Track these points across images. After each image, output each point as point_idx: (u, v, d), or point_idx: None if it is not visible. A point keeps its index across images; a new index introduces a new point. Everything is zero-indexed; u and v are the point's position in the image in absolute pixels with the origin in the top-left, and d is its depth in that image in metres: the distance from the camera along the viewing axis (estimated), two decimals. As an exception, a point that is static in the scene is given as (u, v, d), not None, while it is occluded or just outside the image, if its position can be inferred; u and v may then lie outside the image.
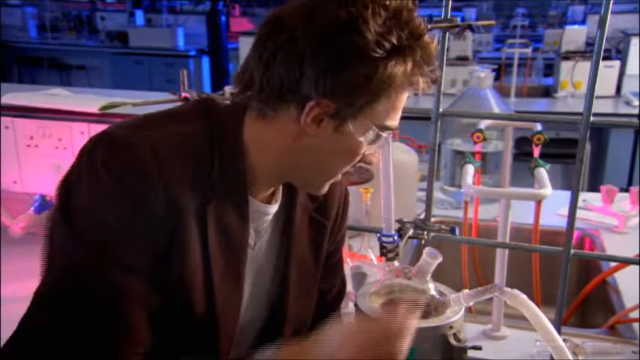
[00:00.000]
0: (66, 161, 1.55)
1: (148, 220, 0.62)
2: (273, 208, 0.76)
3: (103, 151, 0.63)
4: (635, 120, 1.14)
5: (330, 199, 0.83)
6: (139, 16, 5.78)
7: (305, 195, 0.80)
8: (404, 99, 0.68)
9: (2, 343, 0.71)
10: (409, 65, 0.64)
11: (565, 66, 3.16)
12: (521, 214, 1.32)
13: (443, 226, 1.04)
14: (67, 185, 0.65)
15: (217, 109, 0.71)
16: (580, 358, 1.07)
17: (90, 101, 1.45)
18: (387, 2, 0.62)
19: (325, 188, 0.75)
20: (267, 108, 0.66)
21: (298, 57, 0.62)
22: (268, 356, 0.68)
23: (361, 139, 0.67)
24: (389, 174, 0.96)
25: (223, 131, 0.68)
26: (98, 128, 1.43)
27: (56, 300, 0.63)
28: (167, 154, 0.63)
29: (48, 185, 1.51)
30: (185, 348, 0.70)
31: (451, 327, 0.77)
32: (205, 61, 5.38)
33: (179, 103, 1.09)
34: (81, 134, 1.43)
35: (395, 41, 0.62)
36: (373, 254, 1.30)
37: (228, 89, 1.39)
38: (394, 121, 0.69)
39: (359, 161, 0.71)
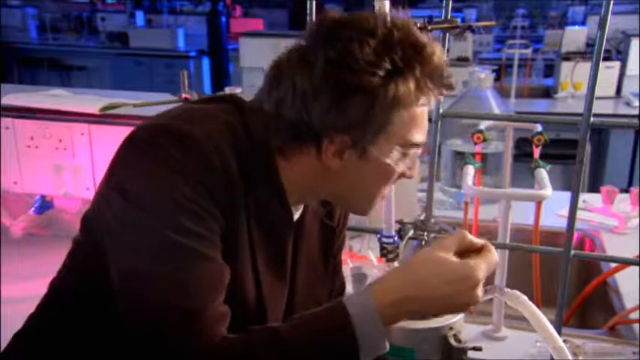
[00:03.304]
0: (66, 162, 1.56)
1: (212, 203, 0.62)
2: (296, 215, 0.76)
3: (165, 141, 0.62)
4: (635, 121, 1.14)
5: None
6: (140, 17, 5.78)
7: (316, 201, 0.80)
8: (422, 113, 0.69)
9: (2, 343, 0.72)
10: (411, 83, 0.64)
11: (565, 67, 3.16)
12: (522, 214, 1.32)
13: (443, 227, 1.04)
14: (119, 179, 0.63)
15: (244, 107, 0.71)
16: (580, 358, 1.07)
17: (90, 102, 1.45)
18: (375, 29, 0.63)
19: (371, 208, 0.76)
20: (286, 148, 0.69)
21: (302, 101, 0.65)
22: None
23: (388, 160, 0.69)
24: (389, 175, 0.95)
25: (253, 128, 0.68)
26: (98, 129, 1.44)
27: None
28: (222, 144, 0.64)
29: (48, 186, 1.51)
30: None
31: (451, 328, 0.77)
32: (206, 62, 5.38)
33: (180, 104, 1.09)
34: (81, 135, 1.44)
35: (389, 65, 0.63)
36: (373, 255, 1.30)
37: (228, 90, 1.40)
38: (420, 135, 0.69)
39: (399, 177, 0.73)
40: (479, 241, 0.68)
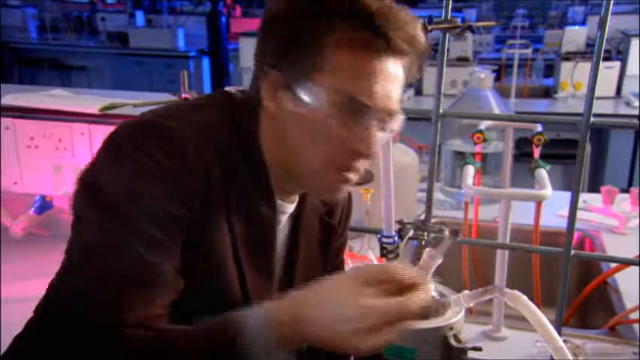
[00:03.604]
0: (66, 162, 1.56)
1: (184, 193, 0.62)
2: (289, 207, 0.76)
3: (137, 135, 0.63)
4: (635, 121, 1.14)
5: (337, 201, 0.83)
6: (140, 17, 5.78)
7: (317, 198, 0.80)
8: (370, 65, 0.63)
9: (2, 344, 0.71)
10: (339, 23, 0.63)
11: (565, 67, 3.16)
12: (522, 214, 1.32)
13: (443, 227, 1.04)
14: (94, 170, 0.64)
15: (234, 99, 0.72)
16: (580, 359, 1.07)
17: (90, 102, 1.45)
18: None
19: (323, 185, 0.71)
20: (252, 92, 0.70)
21: (258, 41, 0.68)
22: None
23: (325, 112, 0.64)
24: (389, 175, 0.96)
25: (240, 122, 0.70)
26: (98, 129, 1.44)
27: (91, 263, 0.60)
28: (198, 138, 0.64)
29: (48, 186, 1.51)
30: None
31: (451, 328, 0.77)
32: (206, 62, 5.38)
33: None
34: (81, 135, 1.43)
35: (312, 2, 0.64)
36: (373, 255, 1.30)
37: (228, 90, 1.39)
38: (368, 92, 0.63)
39: (354, 156, 0.67)
40: (411, 278, 0.57)
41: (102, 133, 1.43)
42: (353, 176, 0.70)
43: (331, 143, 0.66)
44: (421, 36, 0.66)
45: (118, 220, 0.60)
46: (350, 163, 0.68)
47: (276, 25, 0.66)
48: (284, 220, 0.77)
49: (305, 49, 0.64)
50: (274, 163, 0.71)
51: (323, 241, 0.83)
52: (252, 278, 0.71)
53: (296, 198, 0.77)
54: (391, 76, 0.65)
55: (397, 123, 0.70)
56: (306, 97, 0.64)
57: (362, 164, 0.69)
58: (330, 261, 0.86)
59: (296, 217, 0.78)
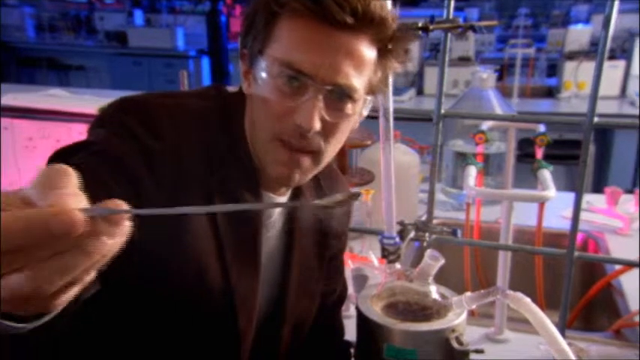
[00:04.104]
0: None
1: (150, 170, 0.62)
2: (278, 199, 0.75)
3: (119, 109, 0.65)
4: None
5: None
6: (138, 16, 5.77)
7: (312, 194, 0.79)
8: (303, 34, 0.62)
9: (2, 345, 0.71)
10: None
11: (569, 66, 3.14)
12: (524, 216, 1.31)
13: (445, 228, 1.03)
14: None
15: (226, 92, 0.74)
16: (584, 362, 1.06)
17: (89, 102, 1.45)
18: None
19: (270, 161, 0.68)
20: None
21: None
22: None
23: (269, 81, 0.64)
24: (390, 175, 0.95)
25: (230, 113, 0.70)
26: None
27: None
28: (182, 120, 0.66)
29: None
30: (203, 331, 0.69)
31: (453, 330, 0.76)
32: (205, 62, 5.37)
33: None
34: (80, 135, 1.43)
35: None
36: (374, 256, 1.29)
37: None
38: (304, 62, 0.62)
39: (296, 131, 0.64)
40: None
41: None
42: (302, 156, 0.67)
43: (277, 117, 0.65)
44: (377, 12, 0.62)
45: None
46: (293, 138, 0.65)
47: (246, 6, 0.68)
48: (274, 213, 0.76)
49: (260, 25, 0.65)
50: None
51: (319, 240, 0.81)
52: (236, 271, 0.69)
53: (286, 191, 0.76)
54: (337, 49, 0.62)
55: (359, 104, 0.67)
56: (258, 72, 0.65)
57: (315, 143, 0.66)
58: (327, 262, 0.85)
59: (292, 216, 0.77)
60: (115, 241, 0.35)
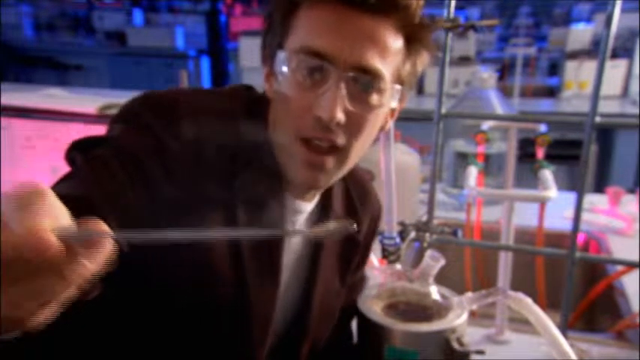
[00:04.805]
0: (63, 163, 1.55)
1: (162, 173, 0.60)
2: (307, 206, 0.70)
3: (142, 105, 0.63)
4: (641, 120, 1.12)
5: (363, 211, 0.78)
6: (138, 16, 5.76)
7: (340, 205, 0.75)
8: (322, 19, 0.59)
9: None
10: None
11: (570, 66, 3.13)
12: (526, 216, 1.30)
13: (445, 229, 1.03)
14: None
15: (255, 94, 0.70)
16: (586, 363, 1.05)
17: (88, 102, 1.44)
18: None
19: (293, 162, 0.64)
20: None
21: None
22: None
23: (284, 69, 0.60)
24: (391, 175, 0.94)
25: (255, 113, 0.66)
26: (96, 129, 1.42)
27: None
28: (206, 121, 0.62)
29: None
30: (216, 342, 0.66)
31: (454, 331, 0.76)
32: (205, 62, 5.37)
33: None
34: (79, 135, 1.42)
35: None
36: (375, 257, 1.28)
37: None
38: (324, 45, 0.58)
39: (316, 124, 0.60)
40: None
41: (99, 133, 1.42)
42: (326, 157, 0.62)
43: (297, 113, 0.61)
44: None
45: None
46: (313, 133, 0.60)
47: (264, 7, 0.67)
48: (300, 220, 0.71)
49: (278, 19, 0.62)
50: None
51: (343, 253, 0.77)
52: (253, 278, 0.66)
53: (313, 197, 0.72)
54: (359, 32, 0.59)
55: (387, 95, 0.62)
56: (278, 68, 0.61)
57: (339, 137, 0.61)
58: (350, 274, 0.81)
59: (317, 225, 0.75)
60: (93, 264, 0.33)
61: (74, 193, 0.52)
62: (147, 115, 0.62)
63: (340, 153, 0.63)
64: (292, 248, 0.73)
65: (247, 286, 0.65)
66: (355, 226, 0.75)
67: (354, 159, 0.65)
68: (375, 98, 0.61)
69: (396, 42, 0.61)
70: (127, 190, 0.58)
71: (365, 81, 0.60)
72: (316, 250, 0.74)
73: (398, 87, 0.63)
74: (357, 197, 0.78)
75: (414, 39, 0.63)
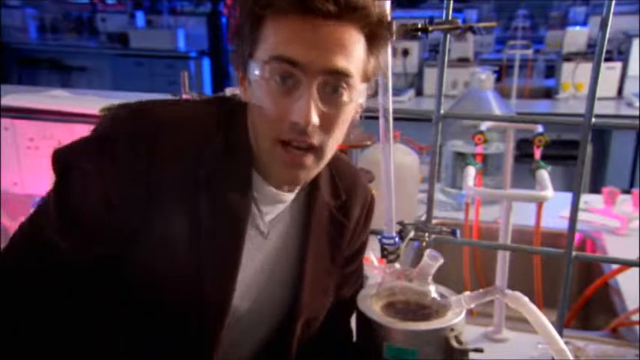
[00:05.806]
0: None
1: (124, 189, 0.67)
2: (288, 196, 0.74)
3: (129, 117, 0.70)
4: (636, 121, 1.13)
5: (353, 198, 0.82)
6: (140, 18, 5.78)
7: (327, 192, 0.79)
8: (290, 27, 0.62)
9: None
10: None
11: (566, 67, 3.15)
12: (523, 216, 1.31)
13: (444, 228, 1.04)
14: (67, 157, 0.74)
15: (232, 100, 0.74)
16: (582, 360, 1.06)
17: (91, 103, 1.45)
18: None
19: (272, 162, 0.68)
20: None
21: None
22: None
23: (257, 76, 0.64)
24: (390, 176, 0.95)
25: (232, 116, 0.71)
26: (98, 130, 1.43)
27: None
28: (171, 127, 0.68)
29: (48, 187, 1.50)
30: (171, 334, 0.71)
31: (452, 329, 0.76)
32: (206, 63, 5.38)
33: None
34: (81, 135, 1.43)
35: None
36: (374, 256, 1.29)
37: (229, 91, 1.39)
38: (283, 49, 0.62)
39: (293, 128, 0.64)
40: None
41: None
42: (304, 156, 0.66)
43: (274, 119, 0.65)
44: (360, 1, 0.63)
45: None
46: (291, 136, 0.65)
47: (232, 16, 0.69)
48: (280, 209, 0.75)
49: (246, 31, 0.65)
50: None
51: (332, 236, 0.80)
52: (209, 264, 0.69)
53: (295, 188, 0.75)
54: (324, 38, 0.62)
55: (355, 92, 0.66)
56: (251, 77, 0.65)
57: (316, 137, 0.65)
58: (341, 255, 0.83)
59: (306, 212, 0.77)
60: None
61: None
62: (130, 127, 0.69)
63: (317, 151, 0.67)
64: (279, 229, 0.76)
65: (201, 269, 0.69)
66: (339, 206, 0.80)
67: (330, 153, 0.70)
68: (345, 97, 0.66)
69: (359, 42, 0.66)
70: (106, 199, 0.68)
71: (335, 82, 0.64)
72: (304, 228, 0.78)
73: (364, 85, 0.68)
74: (343, 188, 0.81)
75: (375, 36, 0.67)
